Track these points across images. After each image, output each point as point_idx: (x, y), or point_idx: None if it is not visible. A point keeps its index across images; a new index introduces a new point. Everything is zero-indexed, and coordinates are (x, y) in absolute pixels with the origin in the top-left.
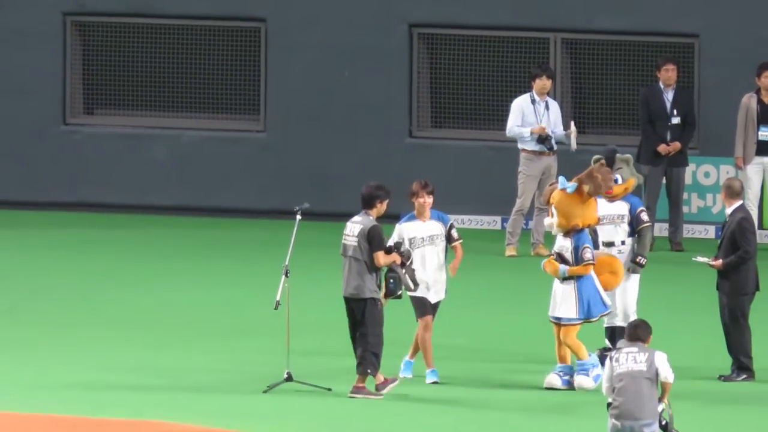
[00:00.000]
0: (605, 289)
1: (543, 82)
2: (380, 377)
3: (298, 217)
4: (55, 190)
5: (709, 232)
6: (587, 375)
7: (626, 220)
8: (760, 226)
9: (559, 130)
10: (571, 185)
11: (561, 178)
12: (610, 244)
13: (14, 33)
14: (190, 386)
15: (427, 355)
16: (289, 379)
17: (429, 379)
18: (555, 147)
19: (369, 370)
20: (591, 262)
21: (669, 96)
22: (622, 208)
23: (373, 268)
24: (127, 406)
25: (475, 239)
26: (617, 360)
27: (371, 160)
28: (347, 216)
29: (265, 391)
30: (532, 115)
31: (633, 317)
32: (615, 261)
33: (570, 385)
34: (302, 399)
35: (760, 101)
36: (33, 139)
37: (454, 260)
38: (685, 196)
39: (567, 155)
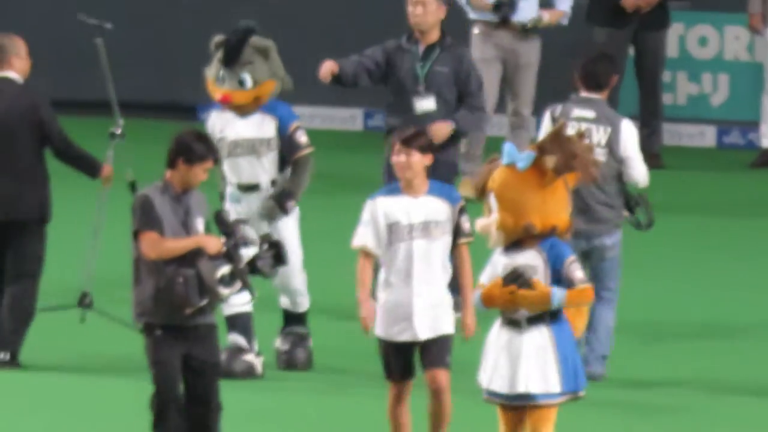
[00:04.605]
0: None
1: None
2: None
3: None
4: None
5: (707, 135)
6: None
7: (274, 145)
8: None
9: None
10: (524, 156)
11: (506, 147)
12: (252, 188)
13: None
14: None
15: None
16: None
17: None
18: (521, 19)
19: None
20: (589, 284)
21: None
22: (265, 127)
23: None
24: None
25: (334, 150)
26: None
27: None
28: None
29: None
30: None
31: (299, 297)
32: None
33: None
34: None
35: None
36: None
37: (463, 311)
38: (667, 77)
39: (551, 40)
